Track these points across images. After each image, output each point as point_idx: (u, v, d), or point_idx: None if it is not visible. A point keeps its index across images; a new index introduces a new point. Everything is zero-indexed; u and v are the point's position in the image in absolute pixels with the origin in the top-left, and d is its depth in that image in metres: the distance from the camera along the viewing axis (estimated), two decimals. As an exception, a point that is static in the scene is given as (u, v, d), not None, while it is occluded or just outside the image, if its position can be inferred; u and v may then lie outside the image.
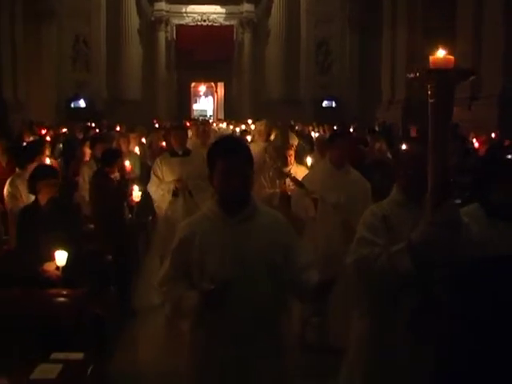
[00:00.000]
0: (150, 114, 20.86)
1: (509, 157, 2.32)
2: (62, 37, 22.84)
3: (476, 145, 8.51)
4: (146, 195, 5.54)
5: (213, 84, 26.98)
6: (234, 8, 24.59)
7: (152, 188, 5.27)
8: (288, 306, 2.35)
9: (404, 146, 2.65)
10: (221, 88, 26.28)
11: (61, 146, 9.87)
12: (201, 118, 22.16)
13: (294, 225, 2.76)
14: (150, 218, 6.69)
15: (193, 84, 26.25)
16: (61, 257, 3.62)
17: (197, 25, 24.70)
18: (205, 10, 24.57)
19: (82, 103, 23.21)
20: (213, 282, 2.03)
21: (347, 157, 4.31)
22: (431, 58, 1.91)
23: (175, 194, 5.15)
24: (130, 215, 5.53)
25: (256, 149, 5.50)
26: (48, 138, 9.84)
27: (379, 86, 19.14)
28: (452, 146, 2.10)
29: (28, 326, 3.15)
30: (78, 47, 23.55)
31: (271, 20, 24.62)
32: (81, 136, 10.77)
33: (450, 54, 1.91)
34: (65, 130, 12.96)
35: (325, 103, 24.31)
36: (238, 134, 11.30)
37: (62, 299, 3.52)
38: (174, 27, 24.79)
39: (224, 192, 2.17)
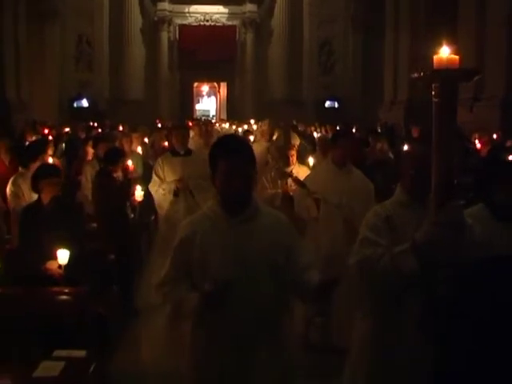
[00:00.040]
0: (152, 113, 20.87)
1: (510, 158, 2.33)
2: (64, 37, 22.87)
3: (478, 146, 8.50)
4: (148, 195, 5.54)
5: (215, 84, 26.99)
6: (236, 8, 24.59)
7: (153, 188, 5.27)
8: (290, 307, 2.34)
9: (406, 147, 2.65)
10: (223, 88, 26.29)
11: (63, 145, 9.87)
12: (203, 117, 22.18)
13: (296, 225, 2.76)
14: (153, 217, 6.69)
15: (195, 84, 26.25)
16: (63, 255, 3.63)
17: (199, 25, 24.71)
18: (208, 10, 24.58)
19: (84, 103, 23.22)
20: (214, 283, 2.02)
21: (349, 157, 4.31)
22: (436, 57, 1.90)
23: (176, 193, 5.14)
24: (132, 215, 5.53)
25: (258, 149, 5.52)
26: (50, 138, 9.85)
27: (382, 86, 19.12)
28: (456, 146, 2.10)
29: (30, 324, 3.15)
30: (81, 47, 23.58)
31: (274, 20, 24.61)
32: (83, 135, 10.78)
33: (454, 52, 1.90)
34: (67, 129, 12.96)
35: (327, 103, 24.28)
36: (240, 134, 11.28)
37: (64, 297, 3.53)
38: (177, 27, 24.80)
39: (226, 192, 2.16)
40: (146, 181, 5.81)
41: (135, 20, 24.15)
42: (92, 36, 23.59)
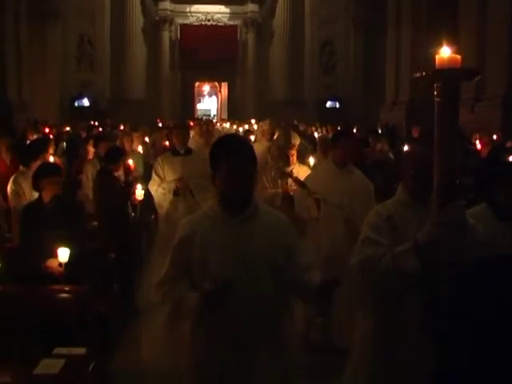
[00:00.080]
0: (153, 113, 20.88)
1: (510, 159, 2.33)
2: (66, 37, 22.89)
3: (478, 147, 8.49)
4: (149, 194, 5.54)
5: (217, 84, 27.00)
6: (238, 8, 24.60)
7: (153, 187, 5.25)
8: (290, 307, 2.34)
9: (407, 147, 2.65)
10: (225, 88, 26.30)
11: (64, 144, 9.88)
12: (204, 117, 22.18)
13: (297, 225, 2.75)
14: (153, 216, 6.70)
15: (197, 84, 26.26)
16: (63, 253, 3.63)
17: (201, 24, 24.71)
18: (209, 10, 24.58)
19: (85, 102, 23.23)
20: (214, 282, 2.02)
21: (350, 157, 4.30)
22: (437, 57, 1.90)
23: (176, 193, 5.13)
24: (133, 214, 5.53)
25: (259, 148, 5.51)
26: (51, 137, 9.85)
27: (384, 86, 19.09)
28: (458, 146, 2.11)
29: (31, 322, 3.15)
30: (83, 47, 23.59)
31: (275, 20, 24.62)
32: (84, 134, 10.79)
33: (455, 52, 1.90)
34: (68, 128, 12.97)
35: (329, 104, 24.26)
36: (241, 133, 11.28)
37: (64, 295, 3.53)
38: (179, 27, 24.81)
39: (226, 192, 2.15)
40: (146, 180, 5.81)
41: (137, 20, 24.15)
42: (93, 36, 23.59)
